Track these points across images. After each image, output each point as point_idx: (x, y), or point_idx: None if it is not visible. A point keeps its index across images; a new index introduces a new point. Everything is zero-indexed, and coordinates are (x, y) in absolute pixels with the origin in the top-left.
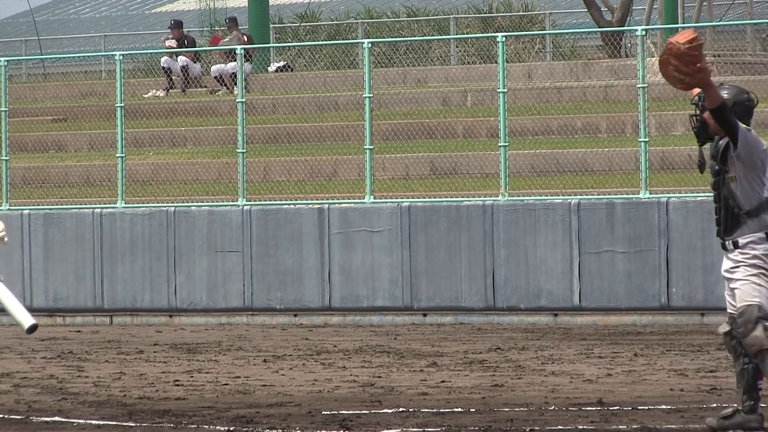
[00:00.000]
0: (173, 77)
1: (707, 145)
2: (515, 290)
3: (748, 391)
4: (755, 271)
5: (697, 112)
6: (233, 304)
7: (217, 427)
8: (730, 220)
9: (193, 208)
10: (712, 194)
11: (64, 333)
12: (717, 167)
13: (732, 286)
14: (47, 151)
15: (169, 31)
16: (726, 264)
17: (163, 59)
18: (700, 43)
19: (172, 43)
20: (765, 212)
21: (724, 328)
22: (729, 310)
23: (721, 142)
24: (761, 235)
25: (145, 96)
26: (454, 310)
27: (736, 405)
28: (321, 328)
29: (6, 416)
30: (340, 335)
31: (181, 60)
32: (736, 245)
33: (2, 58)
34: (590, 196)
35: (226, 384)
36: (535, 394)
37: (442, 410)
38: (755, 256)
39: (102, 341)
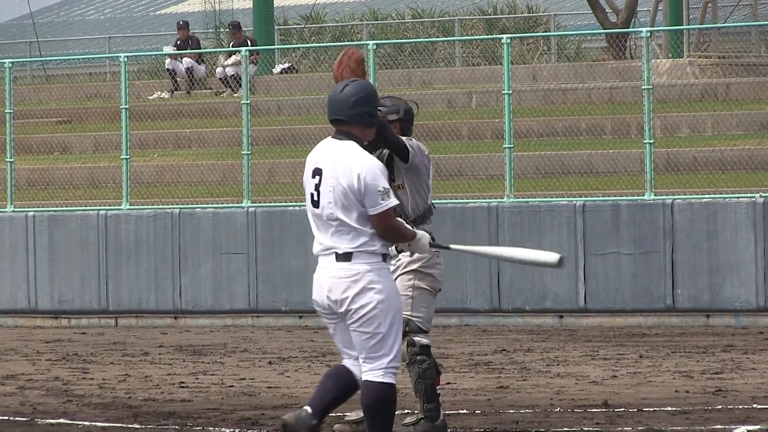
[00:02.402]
0: (178, 79)
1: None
2: (520, 292)
3: (429, 397)
4: (412, 282)
5: None
6: (238, 306)
7: (223, 429)
8: None
9: (198, 209)
10: (714, 196)
11: (69, 335)
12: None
13: None
14: (52, 153)
15: (176, 32)
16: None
17: (167, 61)
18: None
19: (168, 48)
20: (429, 219)
21: None
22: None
23: (385, 150)
24: None
25: (150, 98)
26: (459, 312)
27: (417, 413)
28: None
29: (11, 418)
30: None
31: (186, 61)
32: (398, 250)
33: (7, 60)
34: (595, 198)
35: (232, 386)
36: (541, 395)
37: (447, 412)
38: (418, 259)
39: (107, 343)
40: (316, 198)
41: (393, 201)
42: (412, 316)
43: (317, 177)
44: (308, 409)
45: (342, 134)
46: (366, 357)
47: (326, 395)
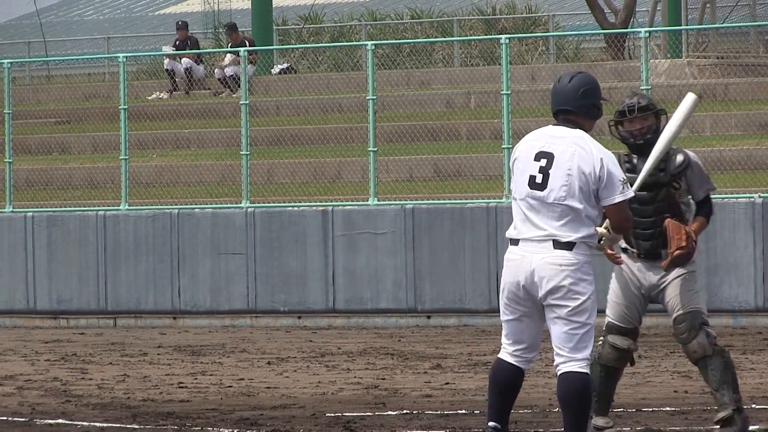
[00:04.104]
0: (176, 79)
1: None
2: None
3: (736, 386)
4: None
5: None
6: (237, 307)
7: (221, 430)
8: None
9: (196, 210)
10: (712, 196)
11: (68, 335)
12: (662, 180)
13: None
14: (51, 153)
15: (175, 32)
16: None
17: (166, 61)
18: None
19: (167, 48)
20: None
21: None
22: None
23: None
24: None
25: (149, 98)
26: (458, 312)
27: (726, 408)
28: (325, 330)
29: (10, 418)
30: (344, 337)
31: (185, 62)
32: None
33: (6, 60)
34: None
35: (230, 386)
36: (539, 396)
37: (446, 412)
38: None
39: (106, 343)
40: (540, 180)
41: (631, 192)
42: (702, 311)
43: (543, 160)
44: (492, 424)
45: (569, 123)
46: (569, 349)
47: (500, 400)
